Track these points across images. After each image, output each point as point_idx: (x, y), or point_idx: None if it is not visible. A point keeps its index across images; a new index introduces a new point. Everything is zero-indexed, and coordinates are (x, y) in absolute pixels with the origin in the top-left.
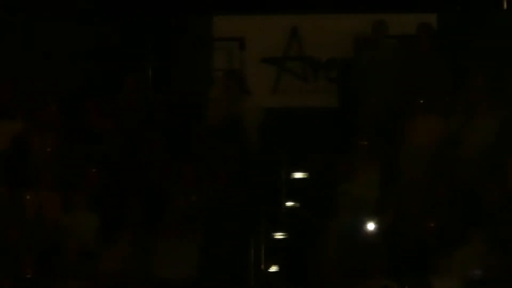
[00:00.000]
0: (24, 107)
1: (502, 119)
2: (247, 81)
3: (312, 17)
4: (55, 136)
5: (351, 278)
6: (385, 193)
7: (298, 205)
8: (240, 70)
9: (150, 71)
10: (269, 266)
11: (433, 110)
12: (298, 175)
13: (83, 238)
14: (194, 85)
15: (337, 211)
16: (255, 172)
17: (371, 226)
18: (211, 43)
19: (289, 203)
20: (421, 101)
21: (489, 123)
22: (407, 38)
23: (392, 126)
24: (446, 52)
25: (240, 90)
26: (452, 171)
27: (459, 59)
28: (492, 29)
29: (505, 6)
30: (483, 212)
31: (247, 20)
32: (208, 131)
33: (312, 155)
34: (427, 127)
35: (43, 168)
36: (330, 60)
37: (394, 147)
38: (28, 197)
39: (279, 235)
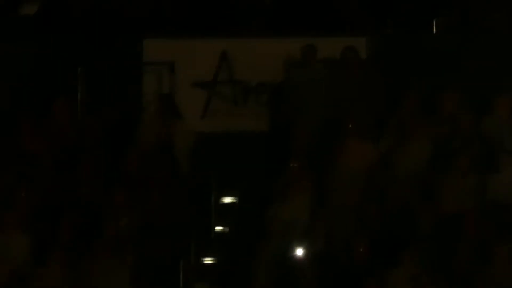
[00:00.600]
0: None
1: (434, 141)
2: (178, 105)
3: (242, 41)
4: None
5: None
6: (316, 217)
7: (228, 229)
8: (171, 94)
9: (80, 93)
10: None
11: (364, 133)
12: (229, 199)
13: (15, 259)
14: (125, 108)
15: (268, 235)
16: (186, 196)
17: (302, 250)
18: (141, 67)
19: (219, 227)
20: (351, 125)
21: (421, 145)
22: (337, 61)
23: (323, 149)
24: (376, 74)
25: (171, 114)
26: (384, 193)
27: (390, 82)
28: (422, 51)
29: (434, 29)
30: (415, 234)
31: (177, 44)
32: (139, 154)
33: (243, 179)
34: (358, 150)
35: None
36: (260, 84)
37: (326, 170)
38: None
39: (209, 260)
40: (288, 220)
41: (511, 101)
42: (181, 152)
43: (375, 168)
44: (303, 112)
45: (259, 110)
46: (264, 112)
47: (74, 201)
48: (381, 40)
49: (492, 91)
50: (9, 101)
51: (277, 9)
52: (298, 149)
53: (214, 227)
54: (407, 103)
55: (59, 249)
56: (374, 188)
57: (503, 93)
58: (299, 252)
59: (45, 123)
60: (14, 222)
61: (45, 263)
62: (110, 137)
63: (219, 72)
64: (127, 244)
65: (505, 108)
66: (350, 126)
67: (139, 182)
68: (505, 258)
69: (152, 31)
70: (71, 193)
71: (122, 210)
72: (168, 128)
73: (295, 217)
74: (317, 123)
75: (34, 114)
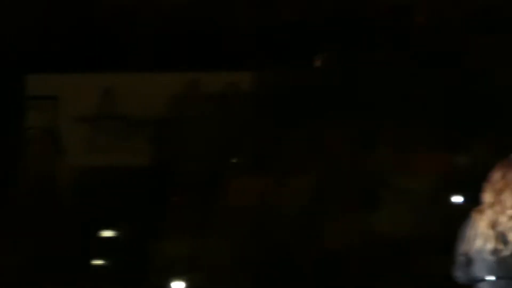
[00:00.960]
0: None
1: (319, 177)
2: (61, 140)
3: (126, 76)
4: None
5: None
6: (199, 252)
7: (108, 264)
8: (54, 129)
9: None
10: None
11: (249, 169)
12: (110, 233)
13: None
14: (7, 143)
15: (150, 271)
16: (68, 231)
17: (183, 284)
18: (24, 102)
19: (99, 262)
20: (235, 161)
21: (304, 182)
22: (222, 96)
23: (207, 185)
24: (262, 110)
25: (54, 149)
26: (267, 230)
27: (274, 118)
28: (308, 86)
29: (319, 64)
30: (298, 271)
31: (61, 78)
32: (21, 189)
33: (125, 214)
34: (242, 186)
35: None
36: (143, 119)
37: (209, 206)
38: None
39: None
40: (170, 255)
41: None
42: (63, 187)
43: (259, 203)
44: (188, 147)
45: (143, 145)
46: (147, 148)
47: None
48: (267, 75)
49: (376, 126)
50: None
51: (161, 44)
52: (182, 185)
53: (94, 262)
54: (293, 139)
55: None
56: (257, 225)
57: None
58: (181, 286)
59: None
60: None
61: None
62: None
63: (103, 107)
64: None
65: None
66: (234, 161)
67: (21, 217)
68: None
69: (35, 66)
70: None
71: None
72: (50, 164)
73: (178, 252)
74: (202, 159)
75: None
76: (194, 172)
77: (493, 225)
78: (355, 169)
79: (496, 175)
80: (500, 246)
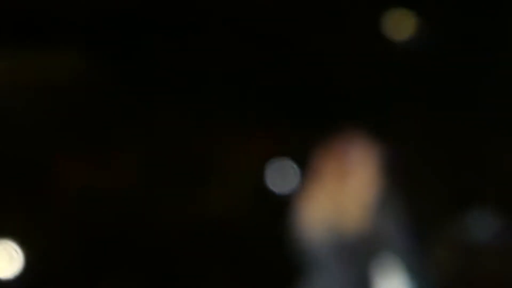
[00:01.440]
0: None
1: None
2: None
3: None
4: None
5: None
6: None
7: None
8: None
9: None
10: None
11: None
12: None
13: None
14: None
15: None
16: None
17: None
18: None
19: None
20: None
21: (132, 162)
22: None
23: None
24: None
25: None
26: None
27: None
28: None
29: None
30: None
31: None
32: None
33: None
34: (67, 169)
35: None
36: None
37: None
38: None
39: None
40: None
41: None
42: None
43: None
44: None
45: None
46: None
47: None
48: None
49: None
50: None
51: None
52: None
53: None
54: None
55: None
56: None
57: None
58: None
59: None
60: None
61: None
62: None
63: None
64: None
65: None
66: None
67: None
68: None
69: None
70: None
71: None
72: None
73: None
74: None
75: None
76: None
77: (325, 210)
78: (187, 150)
79: (323, 161)
80: (332, 232)
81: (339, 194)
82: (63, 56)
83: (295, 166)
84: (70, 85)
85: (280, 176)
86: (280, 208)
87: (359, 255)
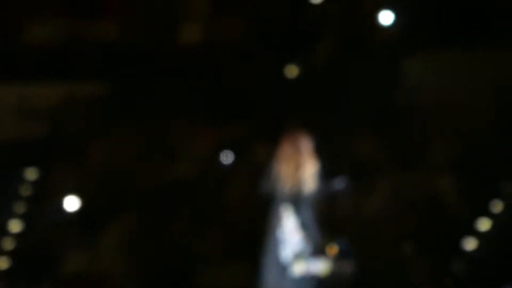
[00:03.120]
0: None
1: None
2: None
3: None
4: None
5: None
6: None
7: None
8: None
9: None
10: None
11: None
12: None
13: None
14: None
15: None
16: None
17: None
18: None
19: None
20: None
21: None
22: None
23: None
24: None
25: None
26: None
27: None
28: None
29: None
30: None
31: None
32: None
33: None
34: None
35: None
36: None
37: None
38: None
39: None
40: None
41: None
42: None
43: None
44: None
45: None
46: None
47: None
48: None
49: None
50: None
51: None
52: None
53: None
54: None
55: None
56: None
57: None
58: None
59: None
60: None
61: None
62: None
63: None
64: None
65: None
66: None
67: None
68: None
69: None
70: None
71: None
72: None
73: None
74: None
75: None
76: None
77: (285, 172)
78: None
79: (285, 145)
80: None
81: (293, 164)
82: None
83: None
84: None
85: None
86: (223, 175)
87: (299, 199)
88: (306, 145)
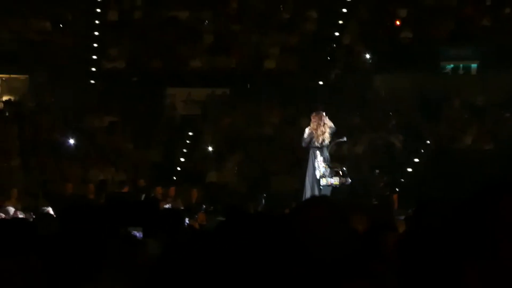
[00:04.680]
0: None
1: None
2: None
3: None
4: None
5: None
6: None
7: None
8: None
9: None
10: None
11: None
12: None
13: None
14: None
15: None
16: None
17: None
18: None
19: None
20: None
21: None
22: None
23: None
24: None
25: None
26: None
27: None
28: None
29: None
30: None
31: None
32: None
33: None
34: None
35: None
36: None
37: None
38: None
39: None
40: None
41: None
42: None
43: None
44: None
45: None
46: None
47: None
48: None
49: None
50: None
51: None
52: None
53: None
54: None
55: None
56: None
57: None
58: None
59: None
60: None
61: None
62: None
63: None
64: None
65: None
66: None
67: None
68: None
69: None
70: None
71: None
72: None
73: None
74: None
75: None
76: None
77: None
78: None
79: (314, 118)
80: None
81: (319, 128)
82: None
83: None
84: None
85: None
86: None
87: (323, 146)
88: (325, 119)
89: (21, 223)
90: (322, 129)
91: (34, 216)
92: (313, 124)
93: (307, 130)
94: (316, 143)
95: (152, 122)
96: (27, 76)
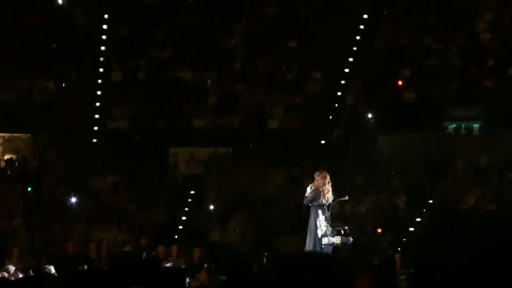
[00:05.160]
0: None
1: None
2: None
3: None
4: None
5: None
6: None
7: None
8: None
9: None
10: None
11: None
12: None
13: None
14: None
15: None
16: None
17: None
18: None
19: None
20: None
21: None
22: None
23: None
24: None
25: None
26: None
27: None
28: None
29: None
30: None
31: None
32: None
33: None
34: None
35: None
36: None
37: None
38: None
39: None
40: None
41: None
42: None
43: None
44: None
45: None
46: None
47: None
48: None
49: None
50: None
51: None
52: None
53: None
54: None
55: None
56: None
57: None
58: None
59: None
60: None
61: None
62: None
63: None
64: None
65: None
66: None
67: None
68: None
69: None
70: None
71: None
72: None
73: None
74: None
75: None
76: None
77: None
78: None
79: (318, 176)
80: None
81: (324, 188)
82: None
83: None
84: None
85: None
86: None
87: (326, 205)
88: (328, 178)
89: (23, 284)
90: (327, 187)
91: (33, 275)
92: (317, 183)
93: (308, 189)
94: (319, 201)
95: (155, 182)
96: (29, 135)
